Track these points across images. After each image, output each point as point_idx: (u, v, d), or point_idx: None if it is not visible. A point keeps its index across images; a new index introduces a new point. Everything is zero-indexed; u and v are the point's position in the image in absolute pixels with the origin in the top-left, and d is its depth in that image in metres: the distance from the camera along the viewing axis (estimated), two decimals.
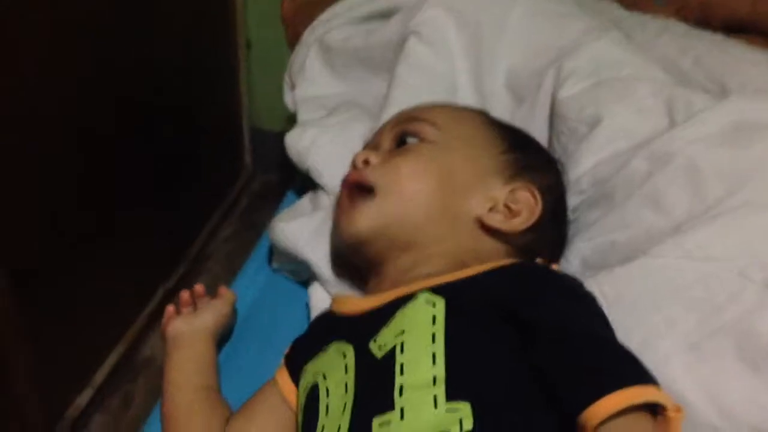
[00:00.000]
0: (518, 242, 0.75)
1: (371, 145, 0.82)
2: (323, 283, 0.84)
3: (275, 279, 0.91)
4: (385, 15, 1.04)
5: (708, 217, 0.69)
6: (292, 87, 1.08)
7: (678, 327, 0.66)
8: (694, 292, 0.66)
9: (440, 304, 0.63)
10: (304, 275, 0.89)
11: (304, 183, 0.96)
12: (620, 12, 1.06)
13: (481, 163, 0.76)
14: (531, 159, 0.78)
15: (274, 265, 0.92)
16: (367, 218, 0.74)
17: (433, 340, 0.61)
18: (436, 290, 0.65)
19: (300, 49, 1.08)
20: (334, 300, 0.77)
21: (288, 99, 1.11)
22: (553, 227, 0.77)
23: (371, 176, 0.75)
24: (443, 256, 0.72)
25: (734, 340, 0.64)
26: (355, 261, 0.79)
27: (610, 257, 0.74)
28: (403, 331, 0.63)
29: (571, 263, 0.77)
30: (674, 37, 0.93)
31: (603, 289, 0.69)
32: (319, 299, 0.84)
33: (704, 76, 0.86)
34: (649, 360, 0.60)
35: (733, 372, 0.63)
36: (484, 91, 0.93)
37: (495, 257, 0.73)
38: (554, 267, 0.73)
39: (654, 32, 0.94)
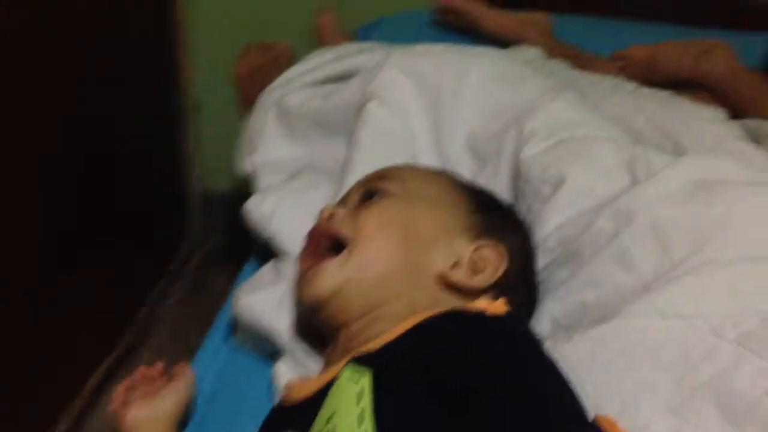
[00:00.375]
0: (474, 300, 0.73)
1: (339, 203, 0.81)
2: (290, 357, 0.81)
3: (238, 353, 0.88)
4: (343, 78, 1.05)
5: (676, 275, 0.69)
6: (251, 151, 1.07)
7: (656, 390, 0.65)
8: (668, 352, 0.66)
9: (365, 378, 0.61)
10: (269, 348, 0.86)
11: (263, 249, 0.94)
12: (572, 72, 1.09)
13: (446, 219, 0.75)
14: (499, 220, 0.78)
15: (238, 338, 0.89)
16: (332, 275, 0.72)
17: (360, 422, 0.58)
18: (362, 360, 0.63)
19: (257, 113, 1.08)
20: (285, 388, 0.74)
21: (246, 163, 1.09)
22: (522, 289, 0.76)
23: (341, 228, 0.74)
24: (395, 316, 0.69)
25: (715, 400, 0.63)
26: (317, 327, 0.77)
27: (581, 318, 0.74)
28: (333, 414, 0.60)
29: (542, 324, 0.77)
30: (626, 96, 0.95)
31: (579, 352, 0.69)
32: (284, 379, 0.80)
33: (659, 135, 0.88)
34: (630, 426, 0.60)
35: None
36: (446, 154, 0.93)
37: None
38: (487, 308, 0.67)
39: (606, 91, 0.97)
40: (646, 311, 0.68)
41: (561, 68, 1.10)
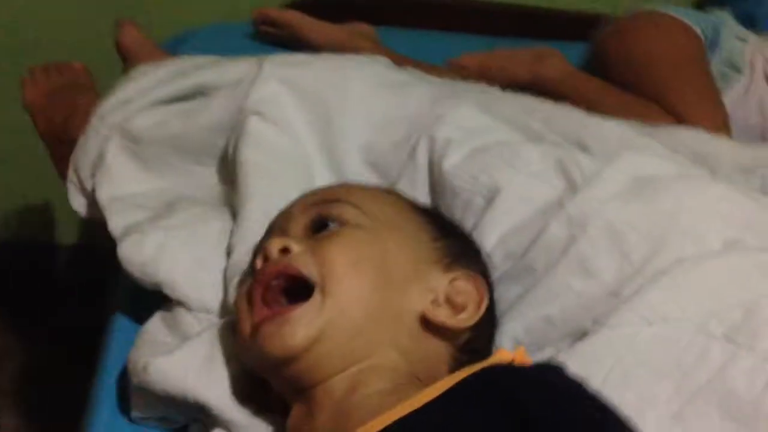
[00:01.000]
0: (461, 341, 0.66)
1: (276, 234, 0.68)
2: (227, 427, 0.66)
3: None
4: (195, 94, 0.91)
5: (647, 278, 0.66)
6: (85, 187, 0.89)
7: (656, 399, 0.62)
8: (661, 358, 0.63)
9: None
10: (183, 420, 0.70)
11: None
12: (437, 78, 1.04)
13: (415, 250, 0.67)
14: (462, 244, 0.71)
15: (138, 414, 0.71)
16: (307, 322, 0.60)
17: None
18: (414, 419, 0.54)
19: (90, 142, 0.90)
20: None
21: (77, 202, 0.91)
22: (490, 317, 0.69)
23: (302, 267, 0.62)
24: (386, 368, 0.61)
25: (715, 401, 0.61)
26: (277, 385, 0.64)
27: (547, 334, 0.69)
28: None
29: (504, 347, 0.70)
30: (511, 99, 0.92)
31: (567, 370, 0.63)
32: None
33: (559, 136, 0.85)
34: None
35: None
36: (344, 172, 0.83)
37: (441, 363, 0.64)
38: (514, 359, 0.62)
39: (487, 95, 0.92)
40: (631, 320, 0.64)
41: (421, 74, 1.05)
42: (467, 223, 0.75)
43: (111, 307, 0.86)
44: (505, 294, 0.72)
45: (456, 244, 0.69)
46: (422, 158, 0.80)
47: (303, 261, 0.62)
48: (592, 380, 0.62)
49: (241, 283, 0.68)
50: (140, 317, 0.79)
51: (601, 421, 0.54)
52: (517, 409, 0.52)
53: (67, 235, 1.76)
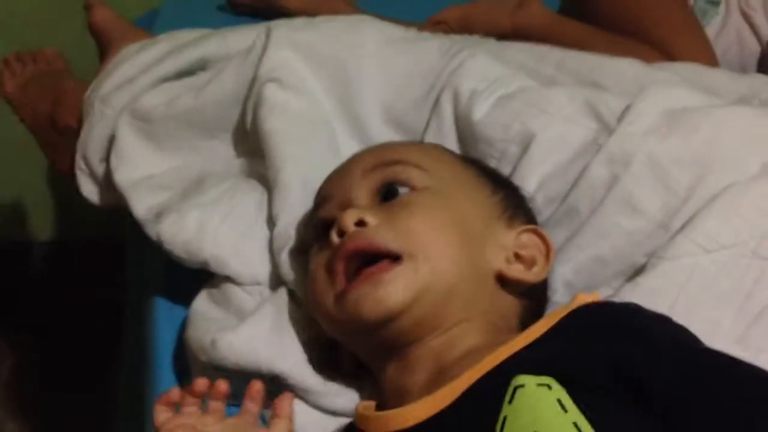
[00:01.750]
0: (526, 293, 0.66)
1: (338, 203, 0.66)
2: (304, 395, 0.66)
3: None
4: (197, 68, 0.88)
5: (696, 207, 0.67)
6: (96, 174, 0.86)
7: (720, 326, 0.63)
8: (722, 285, 0.64)
9: (552, 381, 0.51)
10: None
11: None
12: (428, 33, 1.03)
13: (481, 207, 0.66)
14: (515, 195, 0.70)
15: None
16: (404, 283, 0.59)
17: None
18: (519, 365, 0.54)
19: (95, 126, 0.87)
20: (366, 417, 0.60)
21: (88, 190, 0.89)
22: None
23: (389, 242, 0.61)
24: (476, 324, 0.62)
25: None
26: (362, 348, 0.64)
27: (600, 274, 0.69)
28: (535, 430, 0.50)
29: (554, 291, 0.71)
30: (515, 48, 0.92)
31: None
32: (308, 420, 0.65)
33: (573, 79, 0.86)
34: None
35: None
36: (368, 133, 0.82)
37: (514, 315, 0.65)
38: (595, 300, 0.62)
39: (496, 47, 0.92)
40: (689, 249, 0.65)
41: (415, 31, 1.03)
42: (504, 173, 0.75)
43: (139, 297, 0.85)
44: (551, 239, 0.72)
45: (511, 196, 0.69)
46: (447, 112, 0.79)
47: (384, 235, 0.61)
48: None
49: (313, 259, 0.66)
50: (177, 299, 0.78)
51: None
52: (637, 332, 0.54)
53: (41, 232, 1.71)
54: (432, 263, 0.60)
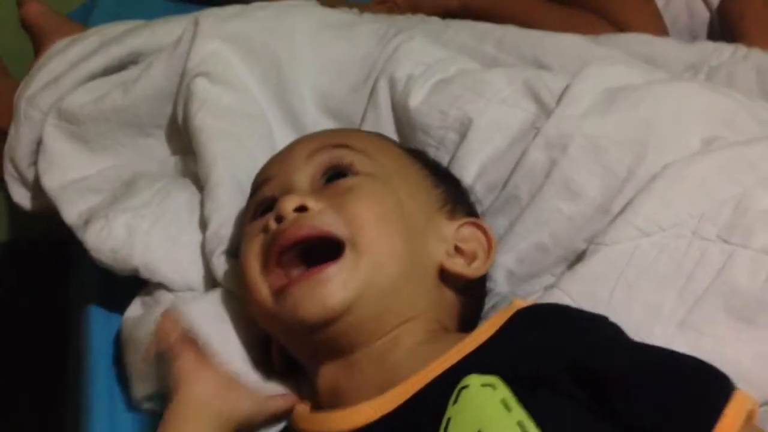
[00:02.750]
0: (465, 288, 0.65)
1: (279, 185, 0.63)
2: None
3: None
4: (127, 62, 0.85)
5: (635, 188, 0.66)
6: (26, 179, 0.83)
7: (661, 310, 0.62)
8: (661, 268, 0.62)
9: (497, 382, 0.50)
10: None
11: None
12: (370, 16, 1.00)
13: (424, 199, 0.64)
14: (457, 189, 0.69)
15: (141, 393, 0.67)
16: (344, 282, 0.57)
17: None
18: (465, 367, 0.53)
19: (21, 129, 0.84)
20: (305, 418, 0.59)
21: (18, 195, 0.85)
22: None
23: (333, 227, 0.58)
24: (421, 322, 0.60)
25: (721, 303, 0.61)
26: (299, 347, 0.62)
27: (542, 261, 0.68)
28: (479, 430, 0.49)
29: (496, 282, 0.69)
30: (455, 28, 0.89)
31: (572, 294, 0.63)
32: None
33: (514, 57, 0.84)
34: None
35: (734, 334, 0.61)
36: (303, 123, 0.80)
37: (455, 310, 0.63)
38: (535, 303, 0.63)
39: (436, 27, 0.90)
40: (627, 234, 0.63)
41: (359, 13, 1.01)
42: (442, 161, 0.73)
43: (77, 302, 0.82)
44: (492, 228, 0.70)
45: (452, 189, 0.68)
46: (384, 99, 0.77)
47: (328, 220, 0.58)
48: (598, 300, 0.62)
49: (246, 241, 0.63)
50: (112, 306, 0.76)
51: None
52: (584, 331, 0.55)
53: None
54: (373, 256, 0.58)
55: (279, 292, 0.58)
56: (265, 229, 0.60)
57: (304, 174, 0.63)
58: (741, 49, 0.90)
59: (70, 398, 0.78)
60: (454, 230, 0.64)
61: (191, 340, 0.62)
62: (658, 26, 1.08)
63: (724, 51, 0.90)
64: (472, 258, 0.64)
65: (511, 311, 0.58)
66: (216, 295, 0.67)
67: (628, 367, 0.51)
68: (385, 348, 0.58)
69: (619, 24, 1.08)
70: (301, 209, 0.59)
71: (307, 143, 0.66)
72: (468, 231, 0.64)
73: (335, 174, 0.62)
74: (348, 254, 0.57)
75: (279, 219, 0.59)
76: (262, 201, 0.64)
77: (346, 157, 0.63)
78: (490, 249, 0.64)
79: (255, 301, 0.60)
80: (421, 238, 0.62)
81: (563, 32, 0.88)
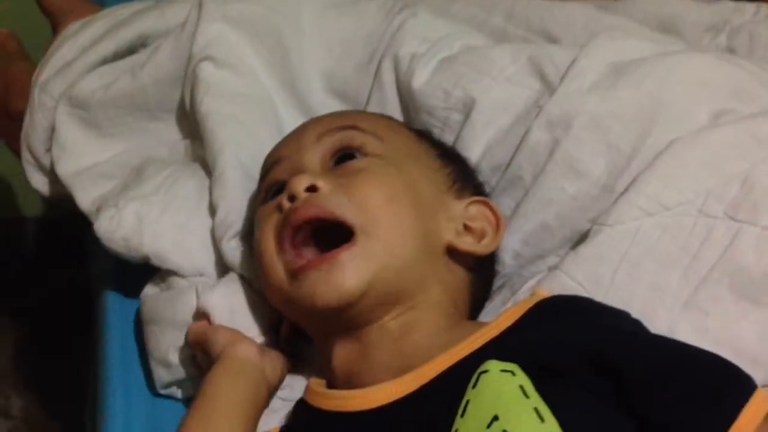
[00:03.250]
0: (476, 267, 0.65)
1: (290, 166, 0.64)
2: None
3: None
4: (137, 46, 0.86)
5: (639, 166, 0.65)
6: (42, 165, 0.85)
7: (665, 290, 0.61)
8: (666, 248, 0.62)
9: (516, 368, 0.52)
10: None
11: None
12: None
13: (433, 179, 0.65)
14: (465, 168, 0.69)
15: (163, 380, 0.70)
16: (359, 267, 0.58)
17: (541, 419, 0.48)
18: (485, 354, 0.54)
19: (35, 116, 0.85)
20: (322, 395, 0.60)
21: (36, 181, 0.87)
22: None
23: (341, 209, 0.59)
24: (436, 305, 0.61)
25: (726, 282, 0.61)
26: (313, 326, 0.64)
27: (547, 241, 0.68)
28: (495, 417, 0.49)
29: (502, 262, 0.69)
30: (463, 1, 0.88)
31: (575, 276, 0.63)
32: None
33: (524, 29, 0.82)
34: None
35: (740, 314, 0.60)
36: (309, 105, 0.80)
37: (465, 290, 0.64)
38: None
39: (443, 0, 0.88)
40: (631, 213, 0.63)
41: None
42: (447, 141, 0.73)
43: (96, 283, 0.84)
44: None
45: (460, 169, 0.68)
46: (388, 79, 0.77)
47: (337, 202, 0.59)
48: (601, 281, 0.63)
49: (260, 221, 0.64)
50: (127, 290, 0.78)
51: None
52: (604, 323, 0.56)
53: (33, 207, 1.71)
54: (385, 239, 0.59)
55: (294, 275, 0.59)
56: (279, 209, 0.62)
57: (314, 155, 0.64)
58: (764, 8, 0.87)
59: (90, 381, 0.81)
60: (462, 209, 0.64)
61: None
62: None
63: (746, 10, 0.87)
64: (481, 236, 0.64)
65: (533, 301, 0.59)
66: (227, 281, 0.68)
67: (647, 361, 0.52)
68: (400, 330, 0.59)
69: None
70: (312, 189, 0.60)
71: (316, 125, 0.67)
72: (476, 209, 0.65)
73: (345, 155, 0.63)
74: (359, 239, 0.58)
75: (291, 198, 0.61)
76: (273, 183, 0.65)
77: (355, 138, 0.63)
78: (498, 226, 0.65)
79: (270, 283, 0.62)
80: (431, 218, 0.62)
81: None
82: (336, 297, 0.58)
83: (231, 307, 0.67)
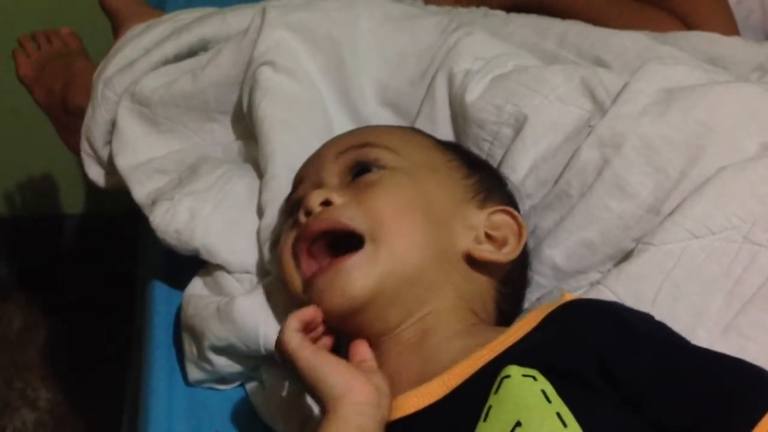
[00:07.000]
0: (502, 273, 0.66)
1: (310, 184, 0.67)
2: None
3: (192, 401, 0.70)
4: (198, 49, 0.89)
5: (687, 190, 0.66)
6: (101, 157, 0.88)
7: (706, 313, 0.62)
8: (709, 271, 0.63)
9: (537, 374, 0.52)
10: (237, 378, 0.71)
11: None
12: (433, 8, 1.01)
13: (451, 189, 0.66)
14: (491, 178, 0.70)
15: (196, 378, 0.72)
16: (365, 272, 0.59)
17: (564, 424, 0.49)
18: (509, 358, 0.54)
19: (98, 109, 0.88)
20: None
21: (94, 172, 0.90)
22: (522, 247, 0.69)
23: (352, 220, 0.61)
24: (451, 312, 0.62)
25: None
26: (341, 336, 0.64)
27: (589, 258, 0.69)
28: (518, 423, 0.50)
29: (543, 275, 0.70)
30: (517, 23, 0.90)
31: (618, 292, 0.64)
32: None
33: (574, 54, 0.84)
34: None
35: None
36: (362, 114, 0.82)
37: (489, 297, 0.65)
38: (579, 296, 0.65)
39: (497, 22, 0.90)
40: (677, 235, 0.64)
41: (421, 5, 1.02)
42: (496, 155, 0.74)
43: (142, 276, 0.86)
44: (541, 223, 0.71)
45: (486, 179, 0.69)
46: (441, 93, 0.79)
47: (349, 214, 0.62)
48: (643, 299, 0.63)
49: (283, 236, 0.67)
50: (175, 282, 0.80)
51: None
52: (619, 328, 0.55)
53: (72, 204, 1.75)
54: (393, 246, 0.61)
55: (307, 282, 0.62)
56: (297, 224, 0.64)
57: (333, 172, 0.66)
58: None
59: (132, 370, 0.83)
60: (484, 218, 0.65)
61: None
62: (726, 22, 1.06)
63: None
64: (502, 244, 0.65)
65: (557, 304, 0.59)
66: (267, 284, 0.70)
67: (667, 365, 0.52)
68: (416, 337, 0.61)
69: (687, 21, 1.06)
70: (327, 203, 0.63)
71: (335, 144, 0.70)
72: (499, 218, 0.66)
73: (362, 170, 0.65)
74: (368, 246, 0.60)
75: (308, 213, 0.63)
76: (296, 200, 0.68)
77: (370, 153, 0.66)
78: (521, 234, 0.66)
79: (291, 292, 0.64)
80: (446, 227, 0.64)
81: (629, 28, 0.88)
82: (341, 301, 0.60)
83: (263, 311, 0.69)
